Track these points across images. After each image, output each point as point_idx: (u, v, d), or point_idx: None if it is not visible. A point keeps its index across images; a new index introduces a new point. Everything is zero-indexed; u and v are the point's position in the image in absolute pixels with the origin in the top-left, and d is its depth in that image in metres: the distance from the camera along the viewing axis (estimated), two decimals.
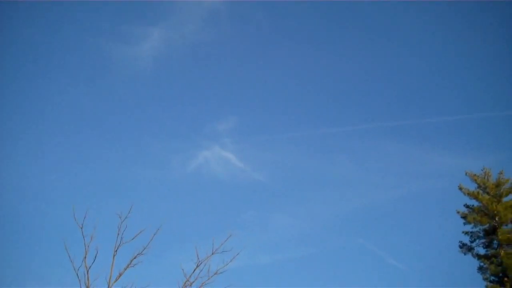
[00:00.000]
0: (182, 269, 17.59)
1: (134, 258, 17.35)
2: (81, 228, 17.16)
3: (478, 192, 40.96)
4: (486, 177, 41.67)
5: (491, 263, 39.28)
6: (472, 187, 41.69)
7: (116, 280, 17.06)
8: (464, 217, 41.11)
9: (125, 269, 17.25)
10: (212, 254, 17.75)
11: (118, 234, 17.37)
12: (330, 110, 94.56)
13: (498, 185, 41.18)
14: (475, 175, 41.80)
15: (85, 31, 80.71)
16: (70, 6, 74.41)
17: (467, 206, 41.69)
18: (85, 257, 16.94)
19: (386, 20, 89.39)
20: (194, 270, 17.60)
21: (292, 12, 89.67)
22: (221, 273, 17.79)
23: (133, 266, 17.39)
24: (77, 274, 16.78)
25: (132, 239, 17.51)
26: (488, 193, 40.92)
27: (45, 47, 74.78)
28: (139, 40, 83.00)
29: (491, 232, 40.17)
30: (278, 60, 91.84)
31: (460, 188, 41.69)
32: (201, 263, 17.62)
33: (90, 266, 16.91)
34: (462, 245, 41.40)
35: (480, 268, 40.00)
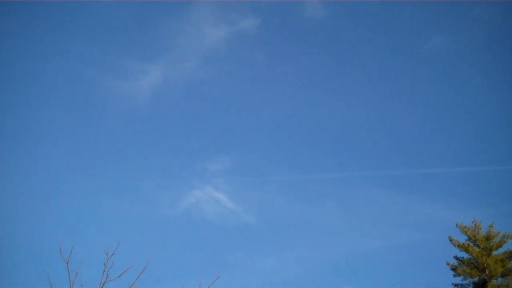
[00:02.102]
0: None
1: None
2: (67, 263, 16.81)
3: (468, 244, 40.80)
4: (476, 230, 41.61)
5: None
6: (462, 239, 41.62)
7: None
8: (454, 269, 40.86)
9: None
10: None
11: (104, 271, 17.02)
12: (323, 156, 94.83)
13: (488, 238, 41.09)
14: (465, 227, 41.73)
15: (83, 63, 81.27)
16: (69, 37, 75.13)
17: (457, 258, 41.50)
18: None
19: (379, 65, 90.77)
20: None
21: (289, 53, 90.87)
22: None
23: None
24: None
25: (119, 276, 17.14)
26: (478, 246, 40.79)
27: (41, 77, 75.11)
28: (138, 76, 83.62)
29: (481, 286, 39.85)
30: (274, 102, 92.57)
31: (450, 240, 41.55)
32: None
33: None
34: None
35: None
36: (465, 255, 41.12)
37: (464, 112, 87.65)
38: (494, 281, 39.26)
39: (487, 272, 39.39)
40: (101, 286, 16.86)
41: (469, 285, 40.59)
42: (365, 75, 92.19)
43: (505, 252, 40.73)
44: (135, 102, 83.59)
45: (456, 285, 40.90)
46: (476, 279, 40.04)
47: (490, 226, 41.65)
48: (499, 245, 40.97)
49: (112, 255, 17.13)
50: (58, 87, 78.09)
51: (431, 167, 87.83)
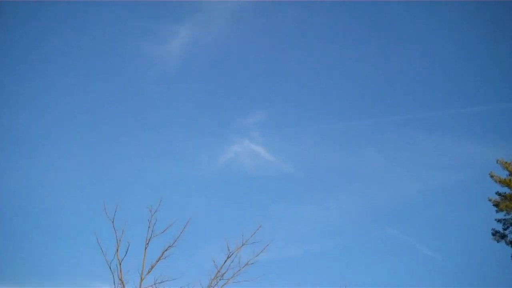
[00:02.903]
0: (213, 261, 17.74)
1: (166, 250, 17.54)
2: (112, 222, 17.40)
3: (510, 180, 40.34)
4: None
5: None
6: (503, 175, 41.12)
7: (148, 272, 17.26)
8: (496, 204, 40.59)
9: (157, 261, 17.46)
10: (242, 245, 17.84)
11: (149, 227, 17.58)
12: (359, 102, 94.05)
13: None
14: (506, 162, 41.15)
15: (112, 29, 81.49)
16: (97, 4, 75.21)
17: (499, 194, 41.14)
18: (117, 251, 17.19)
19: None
20: (225, 261, 17.73)
21: (318, 10, 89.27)
22: (251, 264, 17.87)
23: (164, 259, 17.59)
24: (109, 267, 17.04)
25: (163, 231, 17.70)
26: None
27: (72, 44, 75.71)
28: (167, 38, 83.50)
29: None
30: (307, 55, 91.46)
31: (492, 176, 41.11)
32: (231, 255, 17.74)
33: (122, 259, 17.16)
34: (495, 233, 40.93)
35: None
36: (507, 190, 40.74)
37: (500, 46, 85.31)
38: None
39: None
40: (147, 242, 17.44)
41: None
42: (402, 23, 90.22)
43: None
44: (166, 64, 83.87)
45: (499, 220, 40.71)
46: None
47: None
48: None
49: (156, 211, 17.65)
50: (88, 53, 78.68)
51: (469, 106, 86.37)
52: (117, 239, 17.21)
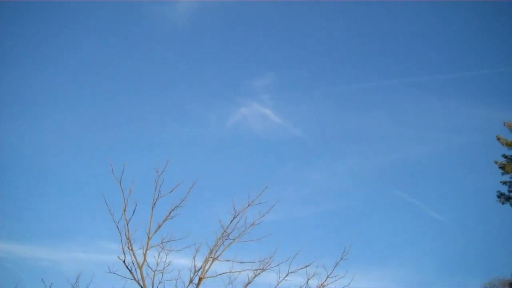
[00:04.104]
0: (220, 221, 17.87)
1: (172, 210, 17.66)
2: (120, 182, 17.49)
3: None
4: None
5: None
6: (510, 137, 40.99)
7: (156, 231, 17.45)
8: (502, 167, 40.60)
9: (164, 221, 17.61)
10: (248, 206, 17.92)
11: (156, 187, 17.65)
12: (368, 64, 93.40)
13: None
14: None
15: None
16: None
17: (505, 156, 41.12)
18: (124, 210, 17.31)
19: None
20: (231, 221, 17.82)
21: None
22: (257, 224, 18.00)
23: (171, 219, 17.72)
24: (117, 227, 17.20)
25: (170, 192, 17.78)
26: None
27: (79, 4, 75.09)
28: None
29: None
30: (316, 17, 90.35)
31: (498, 139, 41.01)
32: (237, 215, 17.84)
33: (129, 219, 17.30)
34: (500, 195, 41.08)
35: None
36: None
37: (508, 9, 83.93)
38: None
39: None
40: (154, 202, 17.58)
41: None
42: None
43: None
44: (173, 25, 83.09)
45: (504, 182, 40.79)
46: None
47: None
48: None
49: (163, 172, 17.71)
50: (93, 11, 78.01)
51: (477, 69, 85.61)
52: (124, 199, 17.34)
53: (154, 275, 17.17)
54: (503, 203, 40.82)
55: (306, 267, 17.58)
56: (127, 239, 17.12)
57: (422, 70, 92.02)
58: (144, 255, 17.16)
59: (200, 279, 17.23)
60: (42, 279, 26.76)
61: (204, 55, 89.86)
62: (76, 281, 17.31)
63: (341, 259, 17.81)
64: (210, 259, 17.44)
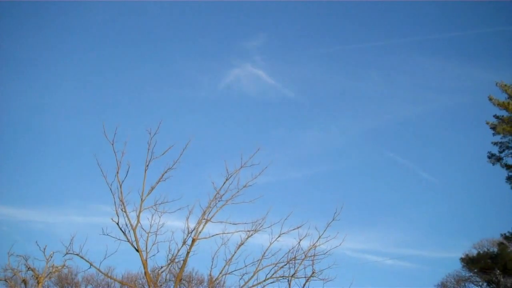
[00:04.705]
0: (213, 183, 17.90)
1: (165, 172, 17.65)
2: (112, 144, 17.42)
3: (508, 102, 40.29)
4: None
5: None
6: (502, 98, 41.01)
7: (148, 193, 17.48)
8: (493, 127, 40.73)
9: (157, 183, 17.63)
10: (241, 167, 17.91)
11: (149, 149, 17.60)
12: (361, 25, 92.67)
13: None
14: (505, 85, 40.90)
15: None
16: None
17: (496, 116, 41.21)
18: (117, 172, 17.30)
19: None
20: (224, 183, 17.84)
21: None
22: (250, 186, 18.03)
23: (164, 180, 17.73)
24: (110, 189, 17.21)
25: (163, 154, 17.73)
26: None
27: None
28: None
29: None
30: None
31: (490, 99, 40.99)
32: (230, 177, 17.84)
33: (122, 181, 17.29)
34: (491, 156, 41.34)
35: (509, 178, 40.11)
36: (505, 113, 40.76)
37: None
38: None
39: None
40: (147, 164, 17.57)
41: (508, 142, 40.62)
42: None
43: None
44: None
45: (495, 143, 40.97)
46: None
47: None
48: None
49: (155, 134, 17.63)
50: None
51: (470, 28, 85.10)
52: (117, 161, 17.30)
53: (147, 237, 17.30)
54: (493, 164, 41.13)
55: (298, 228, 17.76)
56: (120, 201, 17.16)
57: (415, 30, 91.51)
58: (138, 217, 17.23)
59: (193, 241, 17.36)
60: (36, 242, 26.95)
61: (196, 17, 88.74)
62: (70, 243, 17.40)
63: (333, 220, 17.97)
64: (203, 220, 17.54)
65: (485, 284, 54.01)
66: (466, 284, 57.20)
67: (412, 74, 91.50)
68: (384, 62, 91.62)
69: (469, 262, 41.19)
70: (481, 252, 43.03)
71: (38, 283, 39.80)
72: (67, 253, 17.58)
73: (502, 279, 45.19)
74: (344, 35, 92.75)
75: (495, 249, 42.66)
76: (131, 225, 17.12)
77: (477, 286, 56.73)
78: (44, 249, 35.58)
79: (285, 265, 17.72)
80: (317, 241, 17.81)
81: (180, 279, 19.29)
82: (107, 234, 17.17)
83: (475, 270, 45.40)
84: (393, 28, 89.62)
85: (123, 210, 17.13)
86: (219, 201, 17.78)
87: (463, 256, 42.11)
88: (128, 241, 17.15)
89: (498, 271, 41.64)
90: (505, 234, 38.04)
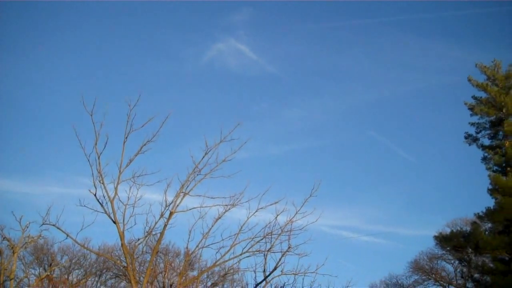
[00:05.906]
0: (191, 156, 17.85)
1: (144, 145, 17.55)
2: (91, 115, 17.24)
3: (487, 84, 40.67)
4: (496, 69, 41.20)
5: (495, 153, 39.79)
6: (481, 79, 41.37)
7: (127, 165, 17.40)
8: (471, 108, 41.11)
9: (136, 155, 17.53)
10: (220, 142, 17.86)
11: (128, 121, 17.45)
12: (346, 3, 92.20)
13: (507, 77, 40.79)
14: (485, 67, 41.26)
15: None
16: None
17: (475, 97, 41.58)
18: (95, 144, 17.17)
19: None
20: (203, 157, 17.80)
21: None
22: (229, 160, 18.04)
23: (143, 153, 17.64)
24: (88, 160, 17.09)
25: (142, 126, 17.60)
26: (497, 85, 40.65)
27: None
28: None
29: (497, 124, 40.35)
30: None
31: (469, 80, 41.34)
32: (209, 151, 17.81)
33: (101, 152, 17.15)
34: (468, 136, 41.80)
35: (484, 158, 40.61)
36: (483, 94, 41.16)
37: None
38: (510, 119, 39.59)
39: (504, 111, 39.57)
40: (125, 136, 17.43)
41: (485, 123, 41.08)
42: None
43: None
44: None
45: (472, 124, 41.39)
46: (493, 118, 40.39)
47: (510, 65, 41.10)
48: None
49: (135, 106, 17.44)
50: None
51: (455, 9, 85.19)
52: (96, 132, 17.16)
53: (125, 209, 17.29)
54: (470, 144, 41.64)
55: (275, 203, 17.89)
56: (98, 172, 17.06)
57: (400, 9, 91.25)
58: (115, 189, 17.18)
59: (171, 213, 17.39)
60: (12, 212, 26.75)
61: None
62: (47, 214, 17.31)
63: (310, 196, 18.13)
64: (181, 194, 17.55)
65: (457, 262, 55.09)
66: (438, 262, 58.37)
67: (396, 53, 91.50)
68: (369, 40, 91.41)
69: (442, 240, 41.81)
70: (454, 230, 43.71)
71: (13, 253, 39.71)
72: (43, 224, 17.51)
73: (473, 258, 46.06)
74: (330, 12, 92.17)
75: (468, 228, 43.39)
76: (108, 196, 17.09)
77: (449, 263, 57.94)
78: (20, 219, 35.41)
79: (262, 239, 17.89)
80: (293, 216, 17.99)
81: (157, 252, 19.37)
82: (84, 206, 17.14)
83: (448, 248, 46.16)
84: (379, 6, 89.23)
85: (101, 181, 17.06)
86: (197, 175, 17.80)
87: (436, 234, 42.75)
88: (106, 212, 17.12)
89: (470, 249, 42.38)
90: (478, 213, 38.64)
